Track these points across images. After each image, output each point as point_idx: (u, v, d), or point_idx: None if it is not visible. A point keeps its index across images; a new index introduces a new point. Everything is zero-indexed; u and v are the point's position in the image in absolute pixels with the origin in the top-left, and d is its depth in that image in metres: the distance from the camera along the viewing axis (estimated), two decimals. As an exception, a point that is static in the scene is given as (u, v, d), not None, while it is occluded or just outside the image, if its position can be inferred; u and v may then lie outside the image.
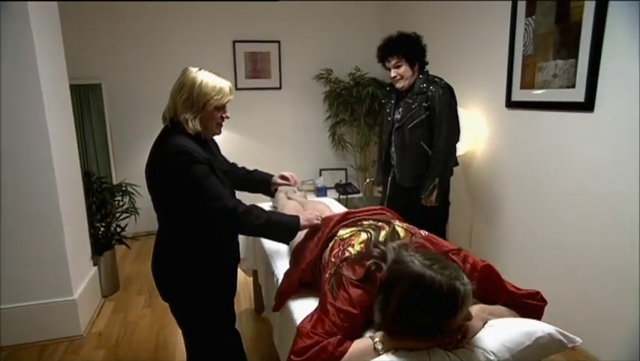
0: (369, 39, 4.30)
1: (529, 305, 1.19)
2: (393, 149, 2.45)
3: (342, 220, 1.50)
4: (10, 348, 2.33)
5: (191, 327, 1.54)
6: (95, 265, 2.83)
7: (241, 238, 2.49)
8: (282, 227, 1.46)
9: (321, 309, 1.12)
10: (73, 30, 3.45)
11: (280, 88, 4.24)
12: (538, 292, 1.20)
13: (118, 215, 2.98)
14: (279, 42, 4.14)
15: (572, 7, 2.17)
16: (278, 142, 4.34)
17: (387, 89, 2.55)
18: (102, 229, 2.93)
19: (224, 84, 1.42)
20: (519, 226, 2.64)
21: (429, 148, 2.32)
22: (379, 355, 1.03)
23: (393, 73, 2.32)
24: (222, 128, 1.50)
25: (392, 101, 2.45)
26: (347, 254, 1.24)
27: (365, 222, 1.45)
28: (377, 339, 1.05)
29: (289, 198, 2.52)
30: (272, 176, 1.85)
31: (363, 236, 1.30)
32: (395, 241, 1.23)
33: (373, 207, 1.68)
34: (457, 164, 2.55)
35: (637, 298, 1.92)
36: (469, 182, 3.12)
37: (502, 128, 2.73)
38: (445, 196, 2.41)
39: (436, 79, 2.31)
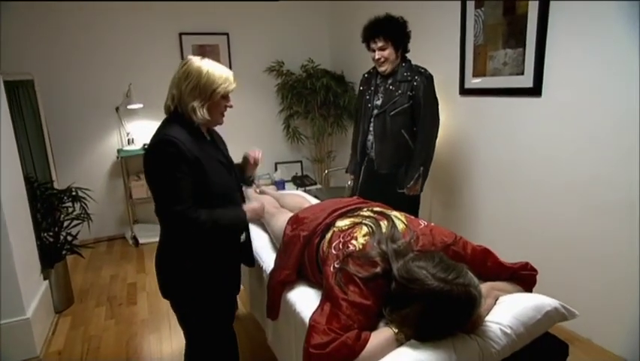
0: (320, 30, 4.41)
1: (524, 276, 1.29)
2: (370, 136, 2.44)
3: (337, 210, 1.52)
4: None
5: (191, 324, 1.50)
6: (45, 278, 2.60)
7: None
8: (229, 225, 1.45)
9: (333, 304, 1.11)
10: (3, 21, 3.11)
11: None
12: (527, 263, 1.31)
13: (67, 223, 2.75)
14: (227, 34, 4.04)
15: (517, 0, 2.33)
16: (231, 137, 3.99)
17: (366, 75, 2.51)
18: (50, 239, 2.69)
19: (229, 73, 1.41)
20: (478, 207, 2.79)
21: (409, 137, 2.34)
22: (401, 344, 1.04)
23: (377, 55, 2.30)
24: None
25: (372, 88, 2.43)
26: (351, 248, 1.22)
27: (363, 213, 1.45)
28: (397, 329, 1.06)
29: (261, 193, 2.48)
30: (239, 164, 1.76)
31: (365, 229, 1.29)
32: (395, 236, 1.23)
33: (351, 199, 1.70)
34: None
35: (600, 270, 2.11)
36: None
37: (456, 114, 2.84)
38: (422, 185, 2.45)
39: (421, 69, 2.33)
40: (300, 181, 4.14)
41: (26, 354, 2.23)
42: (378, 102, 2.38)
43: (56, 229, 2.70)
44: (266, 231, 2.05)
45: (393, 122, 2.33)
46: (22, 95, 3.23)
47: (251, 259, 1.71)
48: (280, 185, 4.12)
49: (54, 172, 3.38)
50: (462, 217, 2.92)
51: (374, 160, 2.45)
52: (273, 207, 2.12)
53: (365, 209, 1.49)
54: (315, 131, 4.16)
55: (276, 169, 4.40)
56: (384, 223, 1.31)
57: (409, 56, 2.42)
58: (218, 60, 4.47)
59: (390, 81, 2.35)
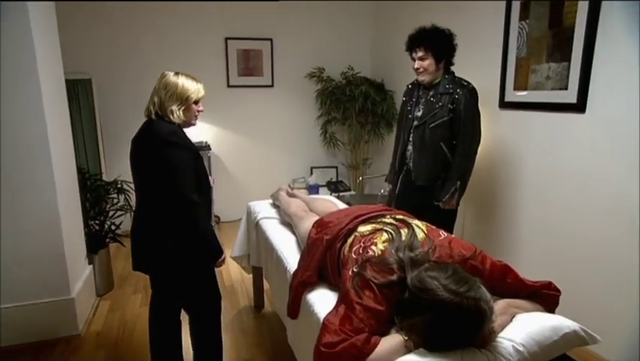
0: (361, 38, 4.45)
1: (546, 296, 1.26)
2: (410, 146, 2.45)
3: (360, 216, 1.53)
4: (7, 348, 2.28)
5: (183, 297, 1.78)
6: (89, 263, 2.80)
7: (242, 233, 2.57)
8: (208, 246, 1.71)
9: (347, 306, 1.14)
10: (65, 25, 3.37)
11: (272, 86, 4.24)
12: (550, 283, 1.28)
13: (112, 213, 2.93)
14: (271, 40, 4.14)
15: (564, 12, 2.28)
16: (270, 140, 4.34)
17: (409, 86, 2.53)
18: (96, 227, 2.88)
19: (199, 84, 1.73)
20: (513, 223, 2.72)
21: (448, 150, 2.33)
22: (410, 351, 1.06)
23: (417, 64, 2.32)
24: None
25: (413, 99, 2.44)
26: (370, 253, 1.25)
27: (385, 220, 1.46)
28: (407, 337, 1.07)
29: (291, 195, 2.50)
30: None
31: (385, 236, 1.30)
32: (414, 245, 1.25)
33: (376, 206, 1.71)
34: None
35: (637, 296, 2.01)
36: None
37: (495, 127, 2.79)
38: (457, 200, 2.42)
39: (464, 82, 2.31)
40: (335, 187, 4.18)
41: (69, 331, 2.41)
42: (419, 113, 2.39)
43: (102, 218, 2.88)
44: (293, 233, 2.10)
45: (433, 134, 2.33)
46: (80, 92, 3.51)
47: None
48: (314, 189, 4.16)
49: (104, 165, 3.63)
50: (495, 233, 2.86)
51: (412, 171, 2.46)
52: (302, 210, 2.14)
53: (388, 216, 1.50)
54: (352, 137, 4.19)
55: (311, 173, 4.45)
56: (404, 231, 1.32)
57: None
58: (260, 65, 4.66)
59: (431, 93, 2.35)
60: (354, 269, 1.22)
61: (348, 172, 4.53)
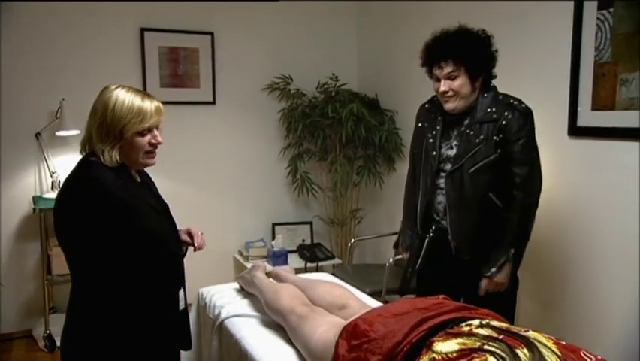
0: (343, 35, 4.50)
1: None
2: (442, 197, 2.39)
3: (425, 321, 1.51)
4: None
5: None
6: None
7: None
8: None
9: None
10: None
11: (214, 102, 4.17)
12: None
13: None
14: (212, 34, 4.07)
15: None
16: (209, 183, 4.22)
17: (427, 106, 2.52)
18: None
19: (147, 104, 1.66)
20: (597, 303, 2.66)
21: (500, 201, 2.27)
22: None
23: (443, 87, 2.26)
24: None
25: (437, 128, 2.40)
26: None
27: (478, 330, 1.41)
28: None
29: (273, 277, 2.45)
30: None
31: None
32: None
33: (438, 300, 1.71)
34: None
35: None
36: None
37: (563, 163, 2.78)
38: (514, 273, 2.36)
39: (512, 100, 2.29)
40: (310, 253, 4.09)
41: None
42: (451, 152, 2.36)
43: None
44: (289, 341, 1.96)
45: (475, 182, 2.28)
46: None
47: (187, 339, 1.94)
48: (281, 258, 3.96)
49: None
50: (569, 319, 2.79)
51: (448, 232, 2.39)
52: (301, 303, 2.07)
53: (477, 322, 1.48)
54: (337, 179, 4.11)
55: (273, 234, 4.31)
56: (523, 353, 1.26)
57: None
58: (195, 72, 4.50)
59: (467, 122, 2.32)
60: None
61: (330, 230, 4.50)
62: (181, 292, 1.82)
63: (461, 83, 2.25)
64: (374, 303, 2.28)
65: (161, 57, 3.95)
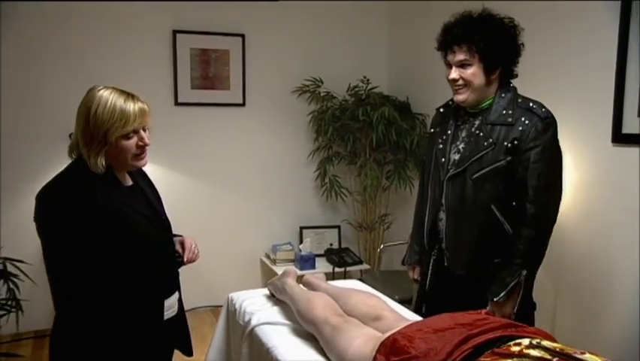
0: (377, 36, 4.49)
1: None
2: (443, 212, 2.24)
3: (470, 339, 1.45)
4: None
5: None
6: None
7: (219, 348, 2.42)
8: None
9: None
10: None
11: (244, 104, 4.19)
12: None
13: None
14: (243, 36, 4.10)
15: None
16: (237, 185, 4.25)
17: (441, 110, 2.34)
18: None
19: (130, 106, 1.61)
20: (635, 313, 2.56)
21: (503, 216, 2.09)
22: None
23: (453, 73, 2.10)
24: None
25: (448, 132, 2.24)
26: None
27: (529, 351, 1.35)
28: None
29: (305, 284, 2.38)
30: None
31: None
32: None
33: (481, 316, 1.66)
34: None
35: None
36: (553, 251, 3.00)
37: (606, 171, 2.70)
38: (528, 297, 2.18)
39: (532, 104, 2.10)
40: (338, 258, 4.06)
41: None
42: (457, 156, 2.19)
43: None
44: (321, 351, 1.89)
45: (478, 190, 2.09)
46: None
47: (187, 344, 1.94)
48: (308, 262, 3.96)
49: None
50: (612, 335, 2.69)
51: (444, 250, 2.26)
52: (335, 314, 1.98)
53: (527, 341, 1.41)
54: (366, 183, 4.07)
55: (301, 237, 4.29)
56: None
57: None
58: (226, 74, 4.53)
59: (477, 122, 2.14)
60: None
61: (358, 235, 4.48)
62: (171, 299, 1.80)
63: (473, 72, 2.07)
64: (407, 313, 2.18)
65: (192, 59, 4.01)
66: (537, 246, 2.09)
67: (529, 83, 2.30)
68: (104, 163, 1.61)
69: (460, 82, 2.09)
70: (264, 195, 4.31)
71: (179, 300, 1.88)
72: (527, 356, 1.32)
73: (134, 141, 1.63)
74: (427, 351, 1.46)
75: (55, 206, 1.56)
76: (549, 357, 1.29)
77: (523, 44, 2.15)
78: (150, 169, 3.79)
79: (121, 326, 1.62)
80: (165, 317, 1.75)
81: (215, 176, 4.16)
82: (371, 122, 3.89)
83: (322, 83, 4.19)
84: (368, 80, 4.14)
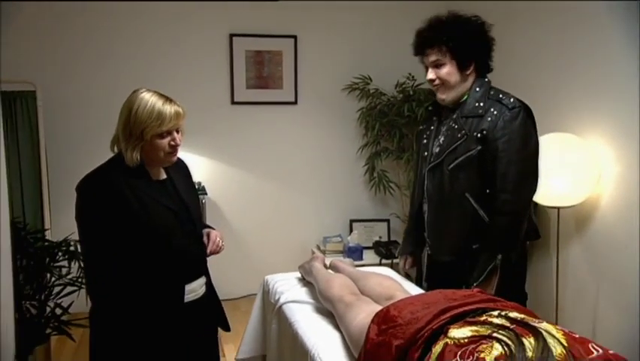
0: None
1: None
2: (425, 199, 2.31)
3: (449, 311, 1.52)
4: None
5: None
6: (19, 368, 2.60)
7: (256, 321, 2.55)
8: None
9: None
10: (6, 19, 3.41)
11: (296, 103, 4.26)
12: None
13: (58, 289, 2.79)
14: (295, 37, 4.16)
15: None
16: (291, 180, 4.34)
17: (430, 108, 2.44)
18: (33, 310, 2.73)
19: (167, 109, 1.73)
20: None
21: (477, 204, 2.14)
22: None
23: (430, 74, 2.19)
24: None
25: (432, 127, 2.33)
26: None
27: (493, 319, 1.41)
28: None
29: (331, 268, 2.49)
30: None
31: (498, 349, 1.26)
32: None
33: (469, 293, 1.71)
34: (537, 236, 2.44)
35: None
36: (592, 243, 2.99)
37: None
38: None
39: (502, 95, 2.16)
40: (386, 250, 4.06)
41: None
42: (437, 149, 2.26)
43: (42, 296, 2.74)
44: (337, 327, 1.98)
45: (454, 179, 2.16)
46: (19, 109, 3.40)
47: (224, 321, 2.09)
48: (356, 253, 4.01)
49: (48, 216, 3.49)
50: None
51: (426, 238, 2.34)
52: (349, 292, 2.09)
53: (496, 312, 1.47)
54: (412, 177, 4.00)
55: (350, 229, 4.33)
56: (529, 342, 1.26)
57: (539, 85, 2.33)
58: (279, 73, 4.64)
59: (454, 116, 2.20)
60: None
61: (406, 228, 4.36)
62: (193, 284, 1.87)
63: (448, 71, 2.15)
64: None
65: (247, 60, 4.11)
66: (510, 232, 2.15)
67: (541, 83, 2.29)
68: (138, 157, 1.74)
69: (437, 81, 2.20)
70: (316, 190, 4.36)
71: (208, 284, 1.97)
72: (490, 323, 1.37)
73: (167, 140, 1.75)
74: (410, 320, 1.54)
75: (85, 197, 1.73)
76: (508, 324, 1.35)
77: (493, 39, 2.23)
78: (211, 165, 4.08)
79: (144, 307, 1.75)
80: (186, 300, 1.84)
81: (269, 171, 4.27)
82: (416, 117, 3.88)
83: (371, 80, 4.19)
84: (413, 76, 4.11)
